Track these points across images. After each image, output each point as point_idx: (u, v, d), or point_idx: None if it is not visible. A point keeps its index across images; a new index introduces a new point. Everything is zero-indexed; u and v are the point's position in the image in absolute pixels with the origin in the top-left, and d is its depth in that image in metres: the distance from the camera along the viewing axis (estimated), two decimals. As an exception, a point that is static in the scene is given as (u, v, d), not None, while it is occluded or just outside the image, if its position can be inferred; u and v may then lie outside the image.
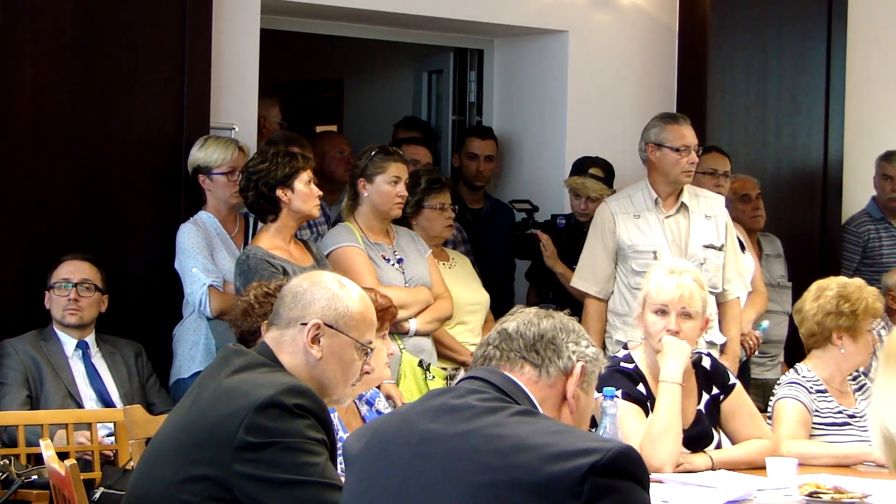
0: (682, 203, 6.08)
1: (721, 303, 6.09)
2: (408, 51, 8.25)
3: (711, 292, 5.91)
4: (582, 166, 6.74)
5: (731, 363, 5.99)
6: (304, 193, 5.40)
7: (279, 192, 5.39)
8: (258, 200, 5.44)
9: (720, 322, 6.08)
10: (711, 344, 5.97)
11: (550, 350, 2.79)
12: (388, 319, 4.14)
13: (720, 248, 6.07)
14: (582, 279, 6.18)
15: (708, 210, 6.12)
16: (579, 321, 2.90)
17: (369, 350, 3.33)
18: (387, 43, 7.81)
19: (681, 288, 4.55)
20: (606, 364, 4.58)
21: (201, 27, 5.93)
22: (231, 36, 6.09)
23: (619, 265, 6.07)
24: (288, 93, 7.42)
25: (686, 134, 6.04)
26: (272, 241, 5.39)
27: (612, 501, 2.44)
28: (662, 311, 4.54)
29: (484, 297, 6.21)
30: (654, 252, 5.97)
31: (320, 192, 5.48)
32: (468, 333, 6.06)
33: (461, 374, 5.72)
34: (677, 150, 6.02)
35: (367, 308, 3.34)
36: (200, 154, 5.73)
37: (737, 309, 6.15)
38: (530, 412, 2.66)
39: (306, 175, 5.41)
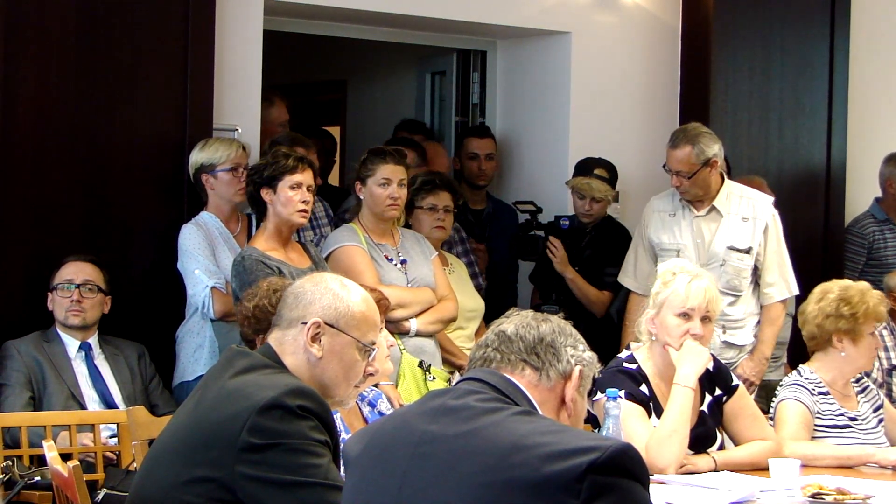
0: (714, 206, 6.13)
1: (762, 305, 6.14)
2: (411, 52, 8.25)
3: (730, 293, 5.95)
4: (586, 167, 6.75)
5: (755, 364, 6.02)
6: (285, 197, 5.34)
7: (263, 193, 5.37)
8: (250, 199, 5.45)
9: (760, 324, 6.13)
10: (729, 345, 5.99)
11: (550, 353, 2.80)
12: (381, 312, 4.14)
13: (746, 251, 6.08)
14: (625, 274, 6.38)
15: (748, 212, 6.14)
16: (577, 326, 2.91)
17: (372, 350, 3.33)
18: (390, 44, 7.81)
19: (708, 293, 4.59)
20: (609, 365, 4.64)
21: (204, 29, 5.93)
22: (234, 37, 6.09)
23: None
24: (291, 94, 7.42)
25: (670, 156, 6.12)
26: (268, 242, 5.38)
27: (611, 499, 2.44)
28: (686, 315, 4.55)
29: (480, 304, 6.24)
30: (678, 251, 6.08)
31: (307, 198, 5.39)
32: (465, 338, 6.07)
33: (457, 377, 5.73)
34: (665, 169, 6.15)
35: (369, 309, 3.33)
36: (203, 153, 5.73)
37: (775, 312, 6.15)
38: (529, 413, 2.67)
39: (294, 178, 5.33)
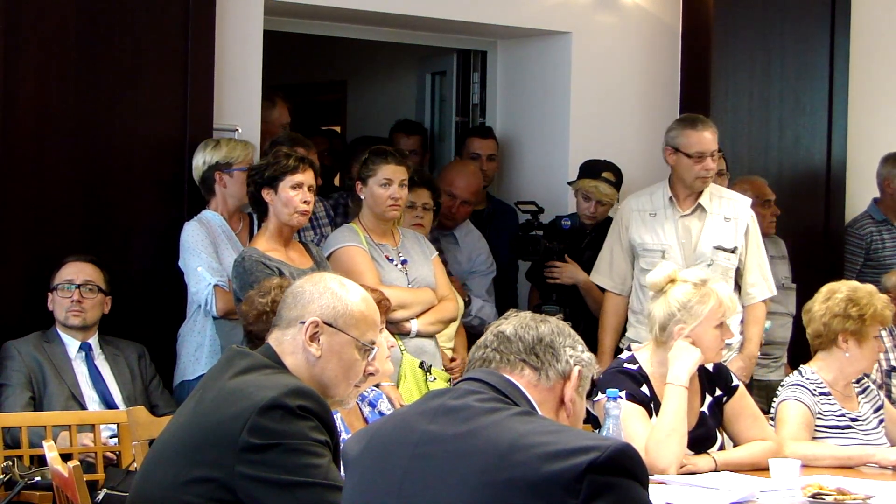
0: (699, 204, 6.10)
1: (744, 305, 6.12)
2: (411, 52, 8.26)
3: None
4: (594, 169, 6.73)
5: (747, 362, 6.04)
6: (285, 198, 5.34)
7: (264, 193, 5.37)
8: (251, 199, 5.45)
9: (742, 323, 6.12)
10: None
11: (549, 354, 2.81)
12: (383, 312, 4.14)
13: (732, 251, 6.08)
14: (599, 273, 6.30)
15: (729, 212, 6.13)
16: (574, 327, 2.92)
17: (371, 349, 3.32)
18: (390, 44, 7.82)
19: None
20: (610, 365, 4.64)
21: (204, 29, 5.93)
22: (234, 37, 6.09)
23: (636, 263, 6.11)
24: (291, 94, 7.43)
25: (701, 140, 6.05)
26: (269, 242, 5.38)
27: (610, 499, 2.44)
28: (721, 324, 4.56)
29: (460, 303, 6.22)
30: (663, 251, 6.03)
31: (309, 198, 5.39)
32: (445, 338, 6.05)
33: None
34: (690, 156, 6.04)
35: (368, 308, 3.33)
36: (220, 151, 5.73)
37: (760, 311, 6.18)
38: (528, 413, 2.67)
39: (296, 178, 5.33)
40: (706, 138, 6.05)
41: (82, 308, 5.46)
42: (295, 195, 5.34)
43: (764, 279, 6.20)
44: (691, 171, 6.05)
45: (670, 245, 6.07)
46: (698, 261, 5.96)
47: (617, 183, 6.72)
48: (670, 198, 6.12)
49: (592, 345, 2.84)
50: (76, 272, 5.48)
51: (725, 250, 6.08)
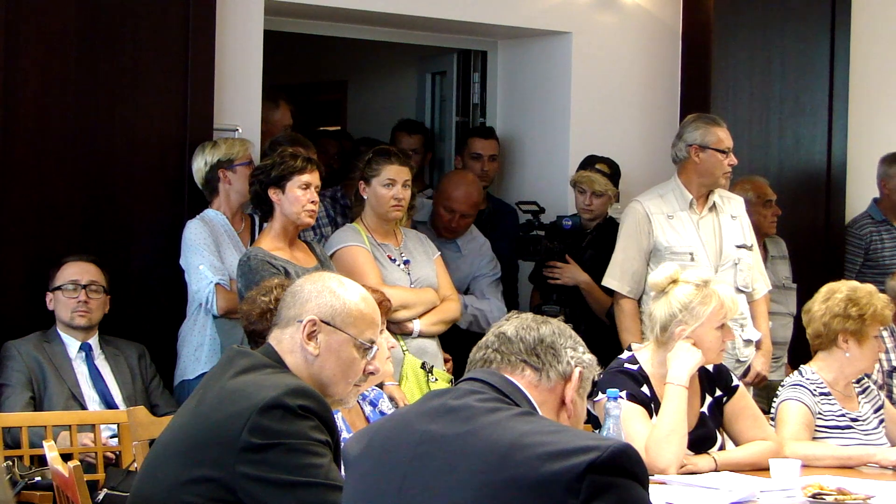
0: (714, 203, 6.10)
1: (750, 301, 6.14)
2: (411, 52, 8.26)
3: (743, 290, 5.97)
4: (588, 163, 6.73)
5: (766, 358, 6.06)
6: (293, 197, 5.36)
7: (271, 193, 5.38)
8: (255, 198, 5.45)
9: (752, 320, 6.12)
10: (748, 342, 5.99)
11: (550, 354, 2.81)
12: (384, 313, 4.13)
13: (750, 248, 6.10)
14: (615, 278, 6.16)
15: (733, 210, 6.15)
16: (575, 328, 2.92)
17: (370, 348, 3.32)
18: (390, 44, 7.82)
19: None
20: (610, 365, 4.64)
21: (205, 29, 5.94)
22: (234, 38, 6.09)
23: (651, 266, 6.04)
24: (291, 94, 7.43)
25: (728, 135, 6.11)
26: (274, 242, 5.39)
27: (610, 499, 2.45)
28: (723, 325, 4.55)
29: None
30: (691, 253, 5.99)
31: (315, 198, 5.41)
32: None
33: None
34: (723, 151, 6.06)
35: (367, 307, 3.33)
36: (220, 150, 5.75)
37: (765, 306, 6.22)
38: (529, 413, 2.68)
39: (303, 178, 5.36)
40: (728, 134, 6.11)
41: (89, 308, 5.46)
42: (302, 195, 5.36)
43: (762, 274, 6.26)
44: (721, 166, 6.06)
45: (697, 247, 6.03)
46: (726, 261, 5.98)
47: (613, 176, 6.69)
48: (691, 201, 6.08)
49: (593, 346, 2.83)
50: (80, 272, 5.48)
51: (747, 248, 6.09)
